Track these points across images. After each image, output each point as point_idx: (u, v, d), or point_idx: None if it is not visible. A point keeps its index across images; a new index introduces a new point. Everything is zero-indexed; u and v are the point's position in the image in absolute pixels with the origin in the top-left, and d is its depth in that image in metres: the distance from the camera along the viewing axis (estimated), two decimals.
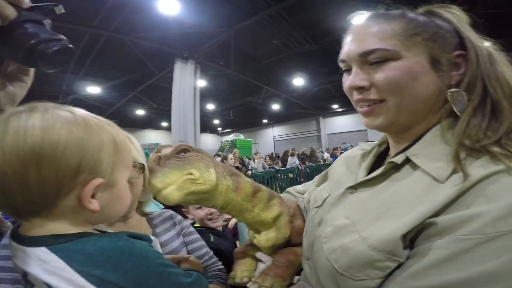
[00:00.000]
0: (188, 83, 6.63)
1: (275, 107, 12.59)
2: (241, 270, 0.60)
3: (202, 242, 0.81)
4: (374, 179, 0.45)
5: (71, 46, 0.43)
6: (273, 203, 0.57)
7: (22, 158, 0.30)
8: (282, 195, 0.76)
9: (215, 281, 0.71)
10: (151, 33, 5.64)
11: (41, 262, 0.34)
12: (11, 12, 0.39)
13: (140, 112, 11.96)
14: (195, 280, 0.43)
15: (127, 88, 8.47)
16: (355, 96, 0.45)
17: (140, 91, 8.69)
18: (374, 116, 0.44)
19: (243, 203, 0.53)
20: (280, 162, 7.12)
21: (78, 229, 0.36)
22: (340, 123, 14.10)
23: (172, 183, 0.45)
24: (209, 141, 17.11)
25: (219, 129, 18.12)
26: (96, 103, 8.96)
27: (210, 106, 11.85)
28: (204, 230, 1.05)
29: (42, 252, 0.34)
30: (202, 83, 7.53)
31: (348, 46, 0.44)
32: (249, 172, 5.95)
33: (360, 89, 0.43)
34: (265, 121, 16.34)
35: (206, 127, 15.77)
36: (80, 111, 0.36)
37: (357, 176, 0.50)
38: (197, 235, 0.82)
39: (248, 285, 0.53)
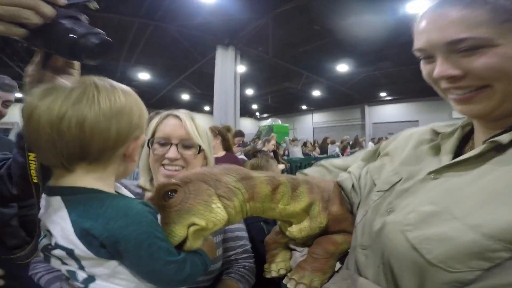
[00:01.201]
0: (229, 69, 6.78)
1: (316, 93, 12.07)
2: (276, 262, 0.56)
3: (243, 234, 0.76)
4: (466, 162, 0.41)
5: (109, 39, 0.45)
6: (300, 191, 0.50)
7: (112, 112, 0.39)
8: (315, 169, 0.71)
9: (234, 277, 0.69)
10: (193, 21, 5.82)
11: (53, 211, 0.39)
12: (49, 10, 0.41)
13: (185, 96, 12.68)
14: (176, 261, 0.41)
15: (173, 74, 9.00)
16: (443, 85, 0.42)
17: (184, 77, 9.17)
18: (474, 103, 0.40)
19: (263, 205, 0.47)
20: (318, 149, 6.84)
21: (105, 184, 0.42)
22: (388, 112, 12.95)
23: (182, 238, 0.41)
24: (247, 125, 17.42)
25: (257, 113, 18.22)
26: (146, 88, 9.76)
27: (249, 91, 11.93)
28: (254, 219, 0.96)
29: (56, 201, 0.40)
30: (241, 68, 7.60)
31: (427, 34, 0.41)
32: (285, 157, 5.94)
33: (451, 78, 0.41)
34: (304, 107, 15.84)
35: (245, 111, 16.01)
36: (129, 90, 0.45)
37: (440, 160, 0.45)
38: (241, 225, 0.77)
39: (284, 281, 0.49)
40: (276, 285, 0.65)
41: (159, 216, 0.43)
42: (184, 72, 8.72)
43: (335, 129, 14.48)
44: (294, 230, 0.51)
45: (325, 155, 6.59)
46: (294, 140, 7.42)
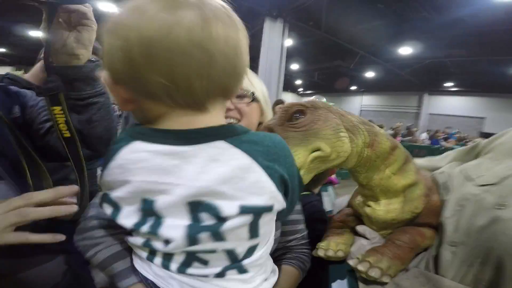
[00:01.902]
0: (276, 42, 6.52)
1: (369, 74, 10.97)
2: (336, 242, 0.49)
3: (300, 217, 0.68)
4: None
5: None
6: (409, 167, 0.46)
7: (239, 50, 0.30)
8: None
9: (296, 264, 0.59)
10: None
11: (214, 161, 0.28)
12: None
13: None
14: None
15: None
16: None
17: None
18: None
19: (377, 161, 0.43)
20: None
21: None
22: (450, 104, 11.37)
23: (301, 166, 0.36)
24: (289, 100, 16.94)
25: (300, 89, 17.48)
26: None
27: (294, 66, 11.39)
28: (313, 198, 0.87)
29: (217, 147, 0.29)
30: (289, 42, 7.23)
31: None
32: None
33: None
34: (354, 87, 14.65)
35: (287, 86, 15.47)
36: None
37: None
38: (299, 207, 0.69)
39: (352, 263, 0.43)
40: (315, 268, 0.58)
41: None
42: None
43: (385, 114, 13.35)
44: (382, 209, 0.45)
45: None
46: None
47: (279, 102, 3.50)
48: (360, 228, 0.51)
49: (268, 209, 0.30)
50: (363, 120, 0.43)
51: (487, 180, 0.45)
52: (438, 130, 8.98)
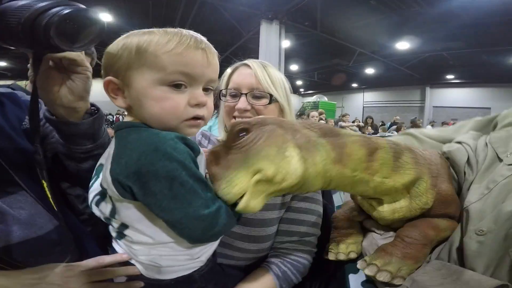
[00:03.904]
0: (273, 44, 6.64)
1: (369, 71, 11.00)
2: (346, 243, 0.47)
3: (308, 218, 0.57)
4: None
5: (84, 7, 0.34)
6: (404, 161, 0.39)
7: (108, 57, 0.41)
8: (401, 137, 0.60)
9: (273, 269, 0.54)
10: None
11: (109, 147, 0.42)
12: None
13: None
14: (210, 213, 0.33)
15: (219, 50, 9.08)
16: None
17: (230, 52, 9.24)
18: None
19: (354, 175, 0.37)
20: (370, 128, 6.47)
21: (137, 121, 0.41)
22: (453, 97, 11.32)
23: (243, 191, 0.33)
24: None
25: (301, 90, 17.54)
26: None
27: (294, 67, 11.50)
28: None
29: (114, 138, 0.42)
30: (286, 43, 7.34)
31: None
32: None
33: None
34: (354, 85, 14.63)
35: None
36: (135, 32, 0.41)
37: None
38: (310, 206, 0.59)
39: (359, 265, 0.40)
40: (323, 269, 0.55)
41: (203, 159, 0.39)
42: (230, 48, 8.77)
43: (389, 110, 13.27)
44: (386, 210, 0.41)
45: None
46: (344, 115, 6.99)
47: None
48: (368, 224, 0.48)
49: (104, 191, 0.39)
50: (327, 130, 0.36)
51: None
52: (446, 122, 8.99)
